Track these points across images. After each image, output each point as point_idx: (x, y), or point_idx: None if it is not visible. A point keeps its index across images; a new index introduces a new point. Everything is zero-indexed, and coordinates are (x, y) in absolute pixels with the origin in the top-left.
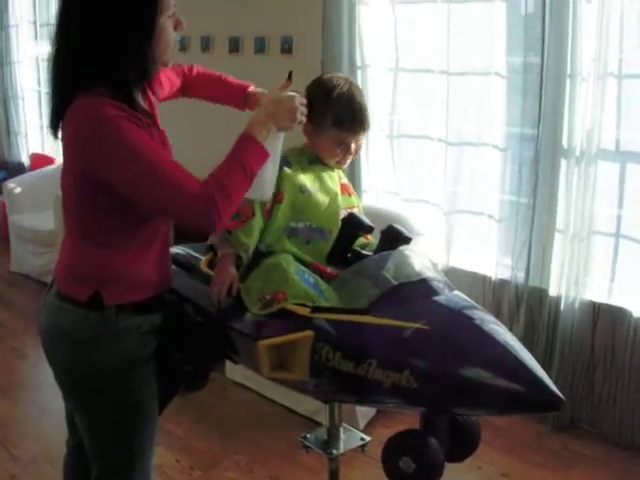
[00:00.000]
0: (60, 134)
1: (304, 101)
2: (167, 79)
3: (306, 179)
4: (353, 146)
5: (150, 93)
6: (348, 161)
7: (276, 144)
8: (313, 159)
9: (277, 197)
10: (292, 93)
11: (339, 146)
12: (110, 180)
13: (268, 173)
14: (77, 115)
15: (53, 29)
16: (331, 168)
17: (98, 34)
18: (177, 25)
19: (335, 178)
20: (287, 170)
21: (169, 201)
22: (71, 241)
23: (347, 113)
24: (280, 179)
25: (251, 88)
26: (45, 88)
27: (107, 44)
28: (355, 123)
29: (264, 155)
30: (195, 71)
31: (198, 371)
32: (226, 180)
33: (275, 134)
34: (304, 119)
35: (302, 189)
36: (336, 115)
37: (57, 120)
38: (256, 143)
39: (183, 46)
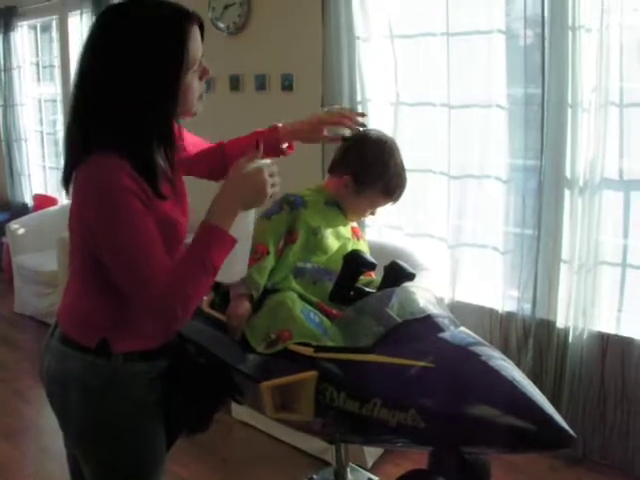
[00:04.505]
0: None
1: (275, 170)
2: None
3: (321, 221)
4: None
5: (172, 154)
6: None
7: (246, 222)
8: (330, 201)
9: (291, 237)
10: (261, 162)
11: (373, 207)
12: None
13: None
14: (88, 171)
15: (73, 83)
16: (345, 213)
17: (119, 93)
18: (203, 75)
19: (347, 223)
20: (303, 211)
21: (131, 290)
22: (77, 285)
23: (398, 184)
24: (296, 219)
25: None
26: (47, 129)
27: (128, 104)
28: (401, 193)
29: (231, 244)
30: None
31: (201, 412)
32: (188, 283)
33: (244, 213)
34: (276, 190)
35: (315, 231)
36: (389, 185)
37: (70, 174)
38: (220, 234)
39: None
